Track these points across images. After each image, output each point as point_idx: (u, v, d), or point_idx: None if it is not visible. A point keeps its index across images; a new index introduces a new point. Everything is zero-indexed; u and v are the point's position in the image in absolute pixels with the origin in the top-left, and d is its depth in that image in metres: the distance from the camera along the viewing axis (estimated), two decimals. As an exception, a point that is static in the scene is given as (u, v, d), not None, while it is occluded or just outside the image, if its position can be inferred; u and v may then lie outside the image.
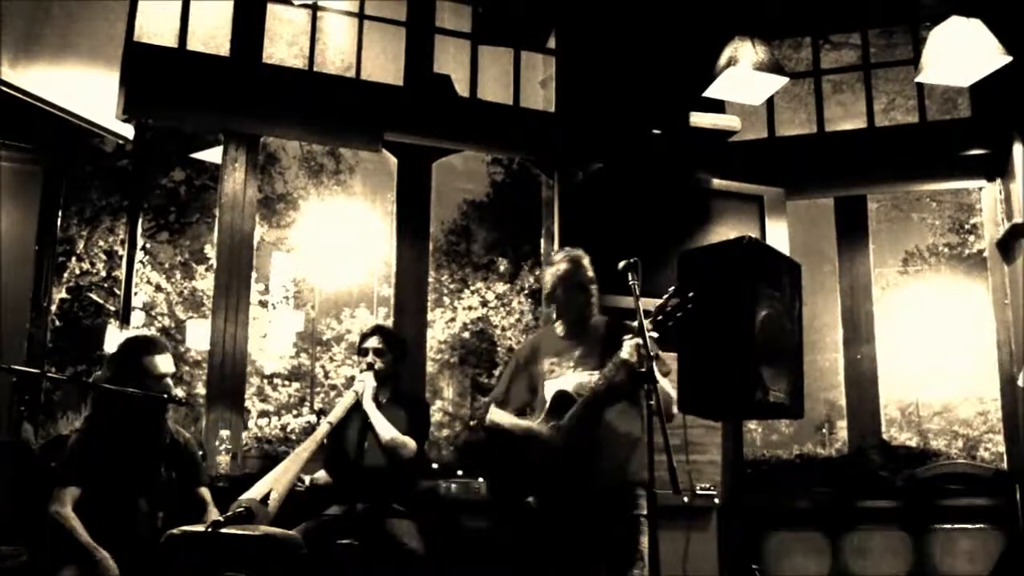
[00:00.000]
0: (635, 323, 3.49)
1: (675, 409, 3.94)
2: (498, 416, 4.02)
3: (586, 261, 3.99)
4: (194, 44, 6.19)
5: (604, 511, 3.65)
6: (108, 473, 3.72)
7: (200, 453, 4.24)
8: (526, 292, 20.27)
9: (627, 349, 3.54)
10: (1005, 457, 6.75)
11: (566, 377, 3.89)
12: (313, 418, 7.62)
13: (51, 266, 6.62)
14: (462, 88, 6.85)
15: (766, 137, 7.26)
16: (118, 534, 3.62)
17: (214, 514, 3.87)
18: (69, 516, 3.57)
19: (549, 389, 3.90)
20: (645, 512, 3.58)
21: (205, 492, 4.06)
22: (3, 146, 6.11)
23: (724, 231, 6.07)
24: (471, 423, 20.89)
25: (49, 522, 3.58)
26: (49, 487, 3.69)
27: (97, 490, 3.68)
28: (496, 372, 20.53)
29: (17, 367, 3.79)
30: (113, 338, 11.90)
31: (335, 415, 4.21)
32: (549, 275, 4.05)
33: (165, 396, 3.85)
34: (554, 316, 4.25)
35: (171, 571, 3.38)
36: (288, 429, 7.13)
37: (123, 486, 3.75)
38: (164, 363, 3.91)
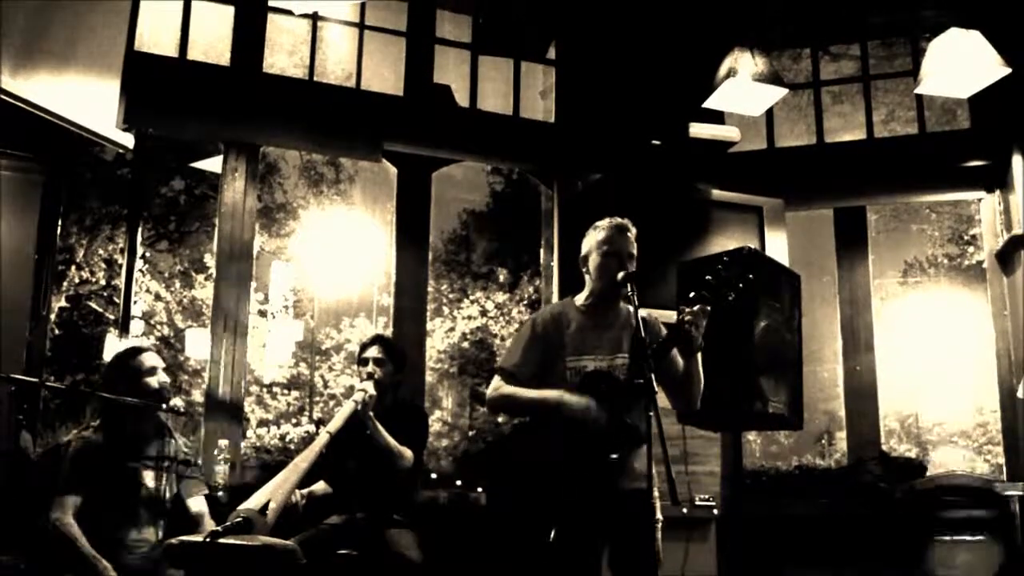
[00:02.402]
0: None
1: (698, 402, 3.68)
2: (510, 388, 3.65)
3: (631, 233, 3.73)
4: (195, 54, 6.20)
5: (629, 512, 3.40)
6: (108, 482, 3.71)
7: (198, 463, 4.23)
8: (526, 302, 20.26)
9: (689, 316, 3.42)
10: (1004, 468, 6.75)
11: (594, 363, 3.63)
12: (312, 428, 7.63)
13: (50, 274, 6.60)
14: (462, 98, 6.87)
15: (765, 148, 7.27)
16: (119, 542, 3.62)
17: (210, 525, 3.87)
18: (71, 525, 3.57)
19: (572, 367, 3.63)
20: (660, 516, 3.51)
21: (202, 503, 4.06)
22: (3, 155, 6.11)
23: (723, 242, 6.07)
24: (470, 433, 20.87)
25: (51, 530, 3.57)
26: (48, 496, 3.69)
27: (97, 499, 3.68)
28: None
29: (16, 376, 3.79)
30: (112, 347, 11.89)
31: (334, 425, 4.19)
32: (588, 239, 3.77)
33: (163, 406, 3.85)
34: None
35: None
36: (287, 438, 7.13)
37: (124, 494, 3.75)
38: (150, 359, 3.94)
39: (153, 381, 3.89)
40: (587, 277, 3.79)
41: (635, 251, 3.71)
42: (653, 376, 3.25)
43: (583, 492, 3.45)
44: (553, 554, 3.45)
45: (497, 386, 3.69)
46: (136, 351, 4.00)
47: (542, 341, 3.71)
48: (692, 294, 3.47)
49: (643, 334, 3.36)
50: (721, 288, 3.50)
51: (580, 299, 3.81)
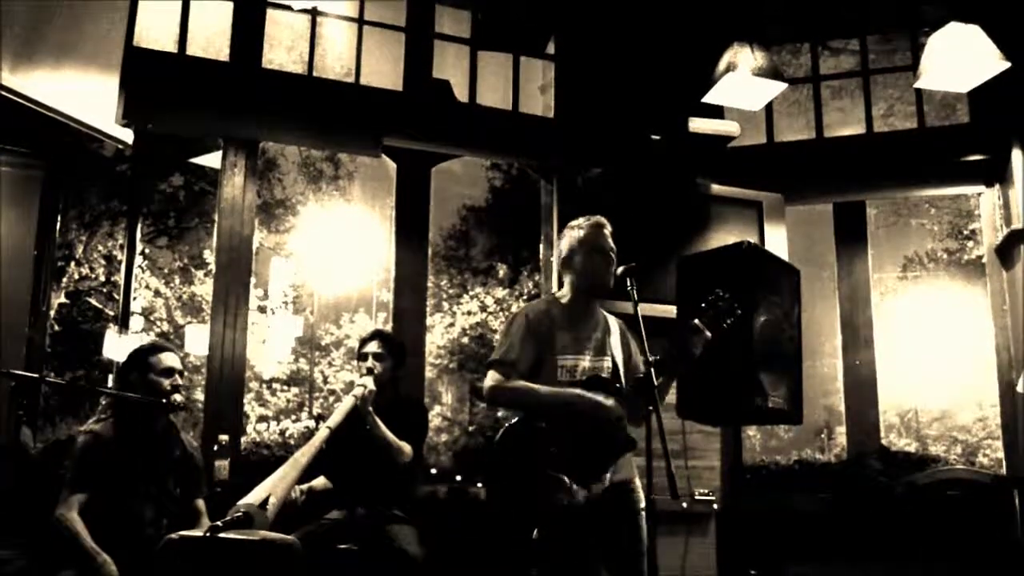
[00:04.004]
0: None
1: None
2: (512, 382, 3.58)
3: (608, 229, 3.74)
4: (194, 49, 6.20)
5: (614, 504, 3.47)
6: (115, 479, 3.71)
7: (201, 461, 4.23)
8: (525, 297, 20.27)
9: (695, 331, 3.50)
10: (1004, 463, 6.75)
11: (584, 362, 3.64)
12: (312, 423, 7.63)
13: (50, 271, 6.62)
14: (461, 93, 6.86)
15: (765, 143, 7.27)
16: (122, 539, 3.62)
17: (207, 525, 3.88)
18: (75, 520, 3.56)
19: (562, 365, 3.62)
20: (644, 506, 3.53)
21: (201, 504, 4.06)
22: (3, 150, 6.12)
23: (723, 236, 6.07)
24: (470, 428, 20.89)
25: (54, 525, 3.57)
26: (48, 491, 3.69)
27: (104, 495, 3.68)
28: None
29: (16, 371, 3.78)
30: (112, 343, 11.90)
31: (334, 420, 4.19)
32: (568, 239, 3.76)
33: (164, 401, 3.85)
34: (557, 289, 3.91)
35: (169, 576, 3.37)
36: (287, 434, 7.13)
37: (130, 492, 3.75)
38: (169, 358, 3.93)
39: (166, 383, 3.87)
40: (568, 276, 3.77)
41: (614, 245, 3.73)
42: (652, 373, 3.28)
43: (574, 491, 3.43)
44: (540, 552, 3.47)
45: (499, 380, 3.60)
46: (158, 347, 3.99)
47: (535, 335, 3.67)
48: (695, 322, 3.51)
49: (628, 336, 3.39)
50: (719, 318, 3.53)
51: (564, 298, 3.79)
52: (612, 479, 3.49)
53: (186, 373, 16.87)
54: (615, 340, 3.71)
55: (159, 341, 4.24)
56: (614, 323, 3.75)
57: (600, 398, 3.50)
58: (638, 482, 3.57)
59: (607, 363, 3.65)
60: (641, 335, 3.36)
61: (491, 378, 3.64)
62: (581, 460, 3.45)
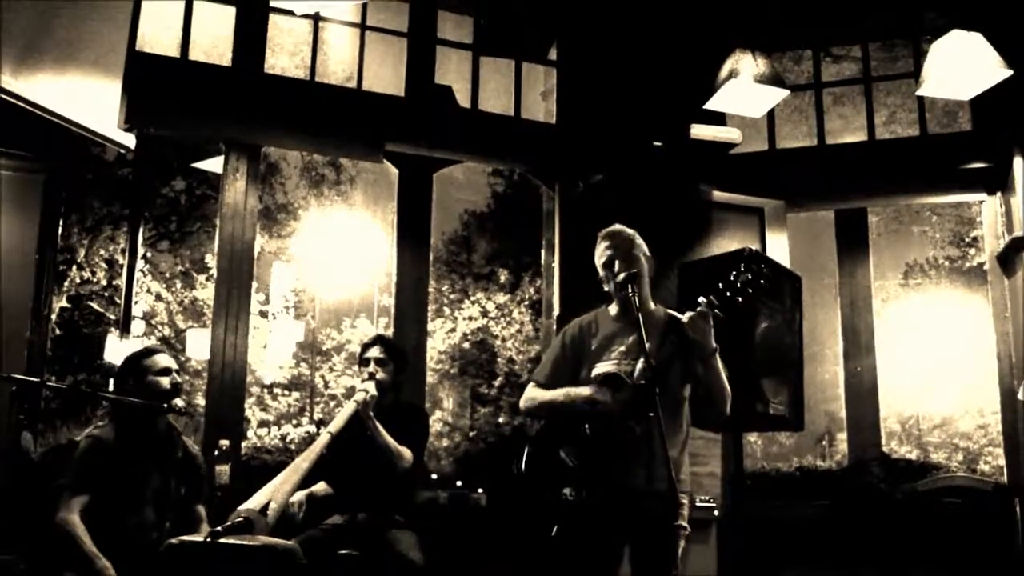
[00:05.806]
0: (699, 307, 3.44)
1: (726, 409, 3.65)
2: (536, 392, 3.75)
3: (623, 234, 3.74)
4: (196, 54, 6.20)
5: (648, 515, 3.41)
6: (116, 482, 3.71)
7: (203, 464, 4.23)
8: (526, 303, 20.29)
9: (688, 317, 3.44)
10: (1005, 470, 6.74)
11: (615, 364, 3.62)
12: (313, 428, 7.63)
13: (51, 274, 6.62)
14: (463, 99, 6.87)
15: (767, 149, 7.27)
16: (124, 543, 3.62)
17: (207, 531, 3.88)
18: (75, 524, 3.56)
19: (595, 373, 3.64)
20: (686, 524, 3.51)
21: (202, 510, 4.06)
22: (4, 154, 6.12)
23: (724, 243, 6.07)
24: (471, 434, 20.88)
25: (55, 529, 3.57)
26: (48, 495, 3.68)
27: (106, 499, 3.67)
28: (496, 383, 20.53)
29: (17, 376, 3.78)
30: (113, 347, 11.91)
31: (336, 425, 4.19)
32: (595, 259, 3.78)
33: (165, 405, 3.85)
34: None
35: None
36: (288, 439, 7.13)
37: (131, 496, 3.75)
38: (163, 359, 3.94)
39: (165, 381, 3.88)
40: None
41: (633, 248, 3.71)
42: (655, 375, 3.26)
43: (598, 490, 3.46)
44: (559, 550, 3.46)
45: (524, 396, 3.80)
46: (149, 351, 4.00)
47: (570, 351, 3.76)
48: (700, 299, 3.46)
49: (644, 333, 3.36)
50: (727, 292, 3.47)
51: (610, 308, 3.82)
52: (645, 487, 3.42)
53: (187, 378, 16.92)
54: (663, 340, 3.64)
55: (151, 344, 4.25)
56: (667, 324, 3.71)
57: (589, 391, 3.54)
58: (686, 499, 3.54)
59: (640, 365, 3.55)
60: (643, 340, 3.34)
61: (523, 396, 3.84)
62: (585, 457, 3.48)
